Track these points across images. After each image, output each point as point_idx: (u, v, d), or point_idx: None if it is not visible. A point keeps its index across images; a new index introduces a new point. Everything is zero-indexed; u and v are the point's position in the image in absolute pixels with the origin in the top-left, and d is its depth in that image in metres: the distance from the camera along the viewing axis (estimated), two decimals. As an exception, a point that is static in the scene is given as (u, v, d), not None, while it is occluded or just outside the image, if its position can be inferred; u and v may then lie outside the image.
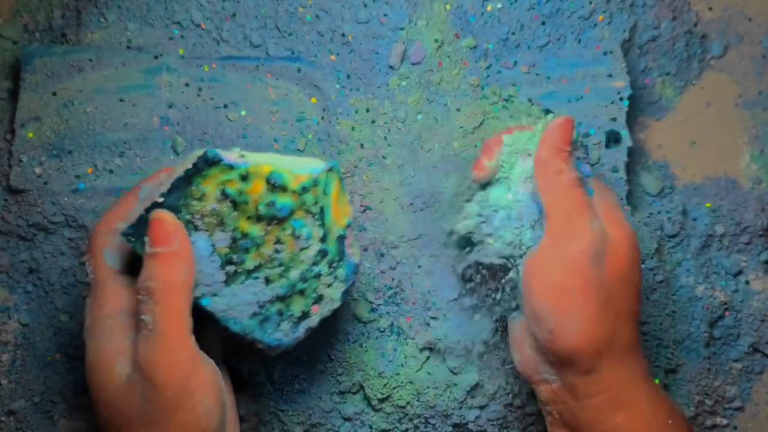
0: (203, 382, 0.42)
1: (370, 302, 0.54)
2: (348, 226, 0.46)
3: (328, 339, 0.54)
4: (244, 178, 0.42)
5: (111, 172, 0.55)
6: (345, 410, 0.54)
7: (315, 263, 0.45)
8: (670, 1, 0.59)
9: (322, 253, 0.45)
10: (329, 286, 0.46)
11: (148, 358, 0.40)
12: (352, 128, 0.56)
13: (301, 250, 0.44)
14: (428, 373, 0.54)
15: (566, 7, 0.57)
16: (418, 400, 0.53)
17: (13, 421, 0.55)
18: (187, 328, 0.41)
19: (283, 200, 0.43)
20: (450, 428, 0.54)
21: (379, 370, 0.53)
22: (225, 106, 0.56)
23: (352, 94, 0.56)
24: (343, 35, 0.57)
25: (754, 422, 0.56)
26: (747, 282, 0.57)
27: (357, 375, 0.54)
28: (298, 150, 0.55)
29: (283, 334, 0.46)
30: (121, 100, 0.56)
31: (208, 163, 0.41)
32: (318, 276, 0.45)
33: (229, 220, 0.42)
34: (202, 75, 0.56)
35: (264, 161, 0.43)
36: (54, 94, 0.56)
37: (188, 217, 0.42)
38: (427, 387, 0.53)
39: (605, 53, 0.57)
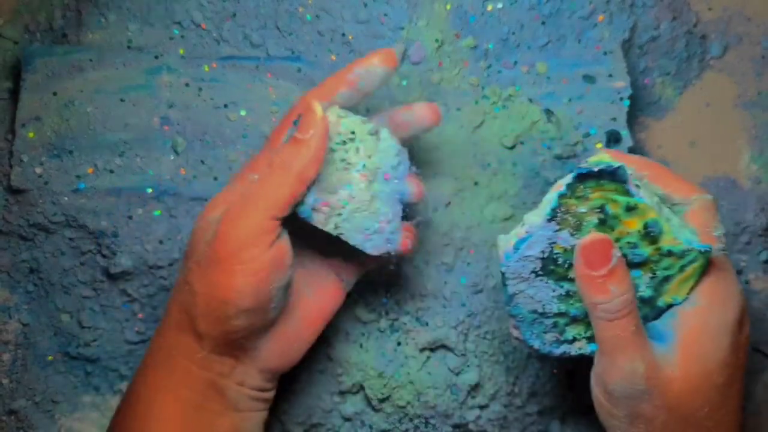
0: (260, 261, 0.42)
1: (370, 302, 0.54)
2: (673, 304, 0.43)
3: (328, 339, 0.54)
4: (630, 209, 0.42)
5: (111, 172, 0.55)
6: (345, 410, 0.54)
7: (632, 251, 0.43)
8: (670, 2, 0.59)
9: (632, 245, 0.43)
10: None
11: (224, 203, 0.44)
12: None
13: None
14: (428, 373, 0.54)
15: (566, 7, 0.57)
16: (418, 400, 0.53)
17: (14, 420, 0.55)
18: (274, 213, 0.42)
19: (644, 250, 0.42)
20: (450, 428, 0.54)
21: (379, 370, 0.54)
22: (225, 106, 0.56)
23: (352, 94, 0.56)
24: (343, 35, 0.57)
25: (754, 422, 0.56)
26: (747, 282, 0.57)
27: (357, 375, 0.54)
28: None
29: (542, 342, 0.45)
30: (122, 100, 0.56)
31: (612, 175, 0.41)
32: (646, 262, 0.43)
33: (585, 230, 0.42)
34: (203, 75, 0.56)
35: (652, 204, 0.42)
36: (54, 94, 0.56)
37: (554, 205, 0.42)
38: (427, 387, 0.53)
39: (605, 53, 0.57)
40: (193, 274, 0.44)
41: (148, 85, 0.56)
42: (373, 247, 0.46)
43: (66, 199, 0.55)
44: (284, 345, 0.47)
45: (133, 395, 0.47)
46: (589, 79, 0.56)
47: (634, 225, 0.42)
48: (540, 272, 0.43)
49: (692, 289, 0.43)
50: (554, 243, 0.43)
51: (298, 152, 0.43)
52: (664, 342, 0.43)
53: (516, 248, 0.43)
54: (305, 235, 0.48)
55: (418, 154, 0.55)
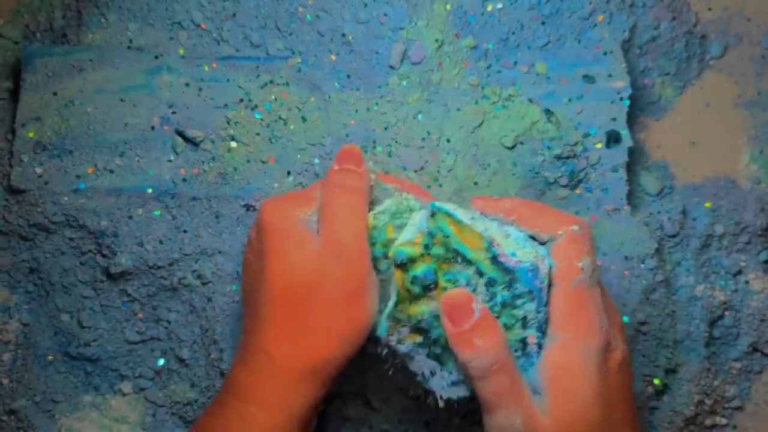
0: (376, 283, 0.44)
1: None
2: (489, 245, 0.42)
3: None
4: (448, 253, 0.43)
5: (111, 172, 0.55)
6: (345, 410, 0.54)
7: (493, 296, 0.42)
8: (669, 2, 0.59)
9: (491, 283, 0.42)
10: (521, 306, 0.43)
11: (342, 238, 0.43)
12: (351, 130, 0.56)
13: (473, 293, 0.42)
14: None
15: (566, 7, 0.57)
16: (417, 400, 0.53)
17: (14, 420, 0.55)
18: (363, 224, 0.44)
19: (420, 268, 0.43)
20: (450, 428, 0.54)
21: (378, 371, 0.53)
22: (225, 105, 0.56)
23: (353, 94, 0.56)
24: (343, 35, 0.57)
25: (754, 422, 0.56)
26: (746, 282, 0.57)
27: (357, 376, 0.54)
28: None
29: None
30: (122, 100, 0.56)
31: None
32: (506, 304, 0.42)
33: (400, 317, 0.43)
34: (203, 75, 0.56)
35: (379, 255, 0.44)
36: (55, 94, 0.56)
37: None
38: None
39: (605, 53, 0.57)
40: (319, 314, 0.43)
41: (148, 85, 0.56)
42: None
43: (66, 199, 0.55)
44: None
45: None
46: (588, 79, 0.56)
47: (399, 274, 0.43)
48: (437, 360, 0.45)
49: (471, 226, 0.43)
50: (409, 347, 0.44)
51: (359, 179, 0.46)
52: (537, 388, 0.41)
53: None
54: None
55: (417, 154, 0.55)
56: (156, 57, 0.57)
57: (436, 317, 0.43)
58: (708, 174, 0.58)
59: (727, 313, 0.56)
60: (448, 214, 0.43)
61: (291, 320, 0.42)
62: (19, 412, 0.55)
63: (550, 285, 0.42)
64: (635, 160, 0.58)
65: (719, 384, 0.56)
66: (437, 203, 0.43)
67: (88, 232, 0.55)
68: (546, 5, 0.57)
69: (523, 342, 0.42)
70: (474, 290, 0.42)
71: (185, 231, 0.55)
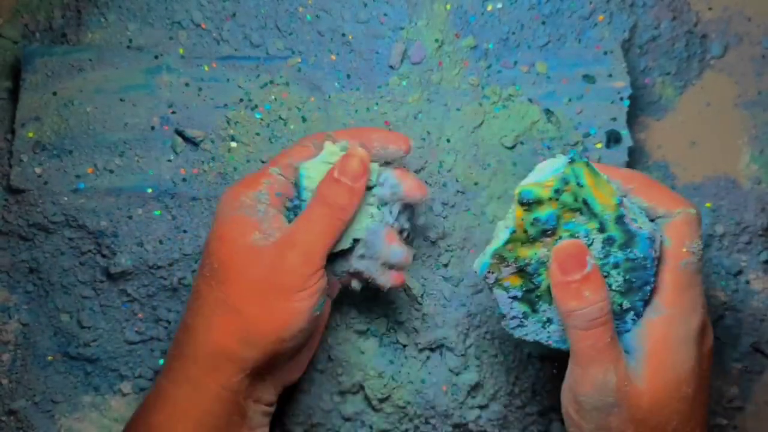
0: (316, 291, 0.44)
1: (370, 303, 0.54)
2: (619, 203, 0.42)
3: (328, 339, 0.54)
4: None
5: (111, 171, 0.55)
6: (345, 410, 0.54)
7: (607, 255, 0.43)
8: (670, 1, 0.59)
9: (609, 242, 0.43)
10: (631, 270, 0.43)
11: (294, 235, 0.44)
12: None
13: (588, 248, 0.43)
14: (428, 373, 0.54)
15: (566, 7, 0.57)
16: (418, 400, 0.53)
17: (14, 420, 0.55)
18: (329, 246, 0.45)
19: (544, 211, 0.42)
20: (450, 428, 0.54)
21: (379, 370, 0.53)
22: (225, 105, 0.56)
23: (353, 94, 0.56)
24: (343, 35, 0.57)
25: (754, 422, 0.56)
26: (747, 282, 0.57)
27: (357, 375, 0.54)
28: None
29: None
30: (122, 100, 0.56)
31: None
32: (617, 265, 0.43)
33: (507, 255, 0.43)
34: (203, 75, 0.56)
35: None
36: (54, 94, 0.56)
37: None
38: (427, 387, 0.53)
39: (605, 53, 0.57)
40: (243, 300, 0.44)
41: (148, 85, 0.56)
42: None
43: (66, 199, 0.55)
44: (298, 360, 0.50)
45: (151, 425, 0.46)
46: (589, 79, 0.56)
47: (519, 213, 0.43)
48: (533, 309, 0.45)
49: (608, 182, 0.43)
50: (510, 286, 0.44)
51: (352, 199, 0.45)
52: (631, 354, 0.43)
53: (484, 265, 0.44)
54: None
55: (417, 154, 0.55)
56: (156, 57, 0.56)
57: (542, 264, 0.43)
58: (708, 174, 0.58)
59: (727, 313, 0.56)
60: (587, 165, 0.42)
61: (228, 307, 0.44)
62: (19, 412, 0.55)
63: (659, 260, 0.43)
64: (635, 160, 0.58)
65: (720, 384, 0.56)
66: (577, 153, 0.43)
67: (88, 232, 0.55)
68: (546, 5, 0.57)
69: (621, 306, 0.43)
70: (590, 245, 0.43)
71: (185, 231, 0.55)
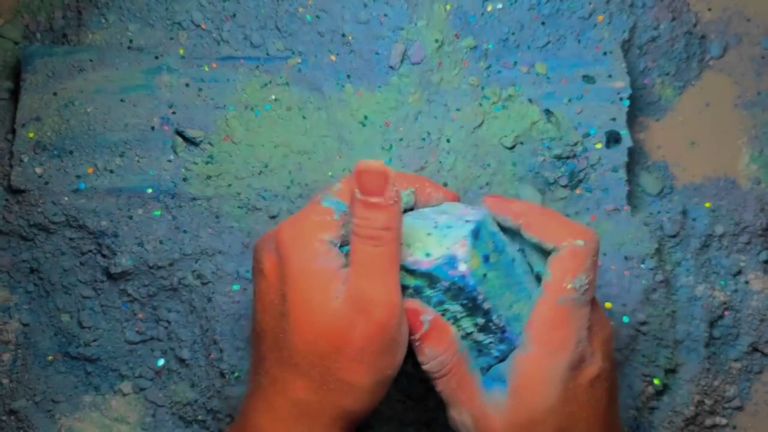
0: (406, 333, 0.42)
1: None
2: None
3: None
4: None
5: (111, 172, 0.55)
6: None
7: (429, 302, 0.43)
8: (669, 2, 0.59)
9: (417, 291, 0.43)
10: (454, 300, 0.43)
11: (368, 295, 0.40)
12: (349, 131, 0.56)
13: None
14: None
15: (566, 7, 0.57)
16: (417, 400, 0.53)
17: (14, 420, 0.55)
18: (395, 278, 0.41)
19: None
20: (450, 429, 0.54)
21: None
22: (225, 106, 0.56)
23: (353, 94, 0.56)
24: (343, 35, 0.57)
25: (754, 422, 0.56)
26: (746, 282, 0.57)
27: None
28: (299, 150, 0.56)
29: None
30: (122, 101, 0.56)
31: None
32: (442, 302, 0.43)
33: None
34: (203, 75, 0.56)
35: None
36: (55, 94, 0.56)
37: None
38: (427, 386, 0.53)
39: (605, 53, 0.57)
40: (353, 372, 0.41)
41: (148, 85, 0.56)
42: None
43: (66, 199, 0.55)
44: None
45: None
46: (588, 79, 0.56)
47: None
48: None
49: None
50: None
51: (392, 215, 0.40)
52: (504, 384, 0.43)
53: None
54: None
55: (417, 154, 0.55)
56: (156, 57, 0.57)
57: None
58: (708, 174, 0.58)
59: (727, 313, 0.56)
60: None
61: (318, 371, 0.41)
62: (19, 412, 0.55)
63: (476, 271, 0.42)
64: (635, 160, 0.58)
65: (719, 384, 0.56)
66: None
67: (88, 232, 0.55)
68: (546, 5, 0.57)
69: (477, 325, 0.43)
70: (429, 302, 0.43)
71: (185, 231, 0.55)
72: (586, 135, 0.55)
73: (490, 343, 0.44)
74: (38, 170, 0.55)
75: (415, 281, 0.42)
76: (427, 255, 0.42)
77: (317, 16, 0.57)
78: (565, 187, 0.55)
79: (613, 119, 0.55)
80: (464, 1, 0.57)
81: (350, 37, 0.57)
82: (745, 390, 0.56)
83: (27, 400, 0.55)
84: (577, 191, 0.55)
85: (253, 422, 0.43)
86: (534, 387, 0.42)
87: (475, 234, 0.42)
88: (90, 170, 0.55)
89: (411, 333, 0.42)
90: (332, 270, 0.41)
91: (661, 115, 0.59)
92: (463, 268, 0.41)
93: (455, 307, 0.42)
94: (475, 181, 0.55)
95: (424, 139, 0.55)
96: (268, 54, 0.57)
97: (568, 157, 0.55)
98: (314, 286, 0.41)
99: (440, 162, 0.55)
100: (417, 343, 0.42)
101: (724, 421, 0.56)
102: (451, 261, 0.41)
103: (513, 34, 0.57)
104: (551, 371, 0.41)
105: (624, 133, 0.55)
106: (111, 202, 0.55)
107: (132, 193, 0.55)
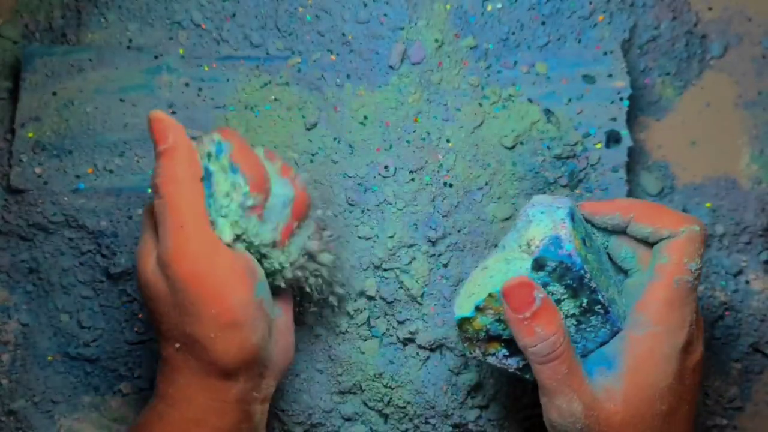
0: (232, 272, 0.42)
1: (370, 302, 0.54)
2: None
3: (328, 339, 0.54)
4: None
5: (111, 172, 0.55)
6: (345, 410, 0.54)
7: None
8: (670, 1, 0.59)
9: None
10: (561, 276, 0.43)
11: (164, 251, 0.41)
12: (349, 131, 0.56)
13: None
14: (428, 373, 0.54)
15: (566, 7, 0.57)
16: (418, 400, 0.53)
17: (14, 420, 0.55)
18: (200, 219, 0.41)
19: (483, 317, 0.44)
20: (450, 428, 0.54)
21: (378, 370, 0.53)
22: (225, 106, 0.56)
23: (352, 94, 0.56)
24: (343, 35, 0.57)
25: (754, 422, 0.56)
26: (747, 282, 0.57)
27: (357, 375, 0.54)
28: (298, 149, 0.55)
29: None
30: (121, 100, 0.56)
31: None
32: (546, 284, 0.43)
33: (469, 334, 0.45)
34: (203, 75, 0.56)
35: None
36: (54, 94, 0.56)
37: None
38: (427, 387, 0.53)
39: (605, 53, 0.57)
40: (191, 326, 0.42)
41: (148, 85, 0.56)
42: None
43: (66, 199, 0.55)
44: (283, 342, 0.47)
45: None
46: (589, 79, 0.56)
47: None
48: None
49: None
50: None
51: (173, 160, 0.42)
52: (611, 367, 0.43)
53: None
54: None
55: (417, 154, 0.55)
56: (156, 57, 0.56)
57: (498, 320, 0.43)
58: (708, 174, 0.58)
59: (727, 313, 0.56)
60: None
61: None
62: (19, 412, 0.55)
63: (586, 240, 0.43)
64: (635, 160, 0.58)
65: (719, 384, 0.56)
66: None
67: (88, 232, 0.55)
68: (546, 5, 0.57)
69: (582, 307, 0.43)
70: None
71: (185, 231, 0.54)
72: (586, 135, 0.55)
73: (594, 325, 0.44)
74: (37, 170, 0.55)
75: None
76: (528, 246, 0.43)
77: (317, 16, 0.57)
78: (565, 187, 0.55)
79: (614, 119, 0.55)
80: (464, 0, 0.57)
81: (350, 37, 0.57)
82: (745, 390, 0.56)
83: (26, 400, 0.55)
84: (577, 191, 0.55)
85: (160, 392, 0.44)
86: (654, 365, 0.42)
87: (572, 216, 0.43)
88: (89, 170, 0.55)
89: (520, 310, 0.41)
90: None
91: (662, 115, 0.59)
92: (569, 247, 0.42)
93: (558, 289, 0.42)
94: (475, 181, 0.55)
95: (424, 139, 0.55)
96: (268, 54, 0.57)
97: (568, 157, 0.55)
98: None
99: (440, 162, 0.55)
100: (526, 323, 0.41)
101: (724, 421, 0.56)
102: (557, 241, 0.42)
103: (513, 33, 0.57)
104: (671, 350, 0.42)
105: (624, 132, 0.55)
106: (111, 202, 0.55)
107: (132, 192, 0.55)
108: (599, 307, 0.43)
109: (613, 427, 0.42)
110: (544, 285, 0.42)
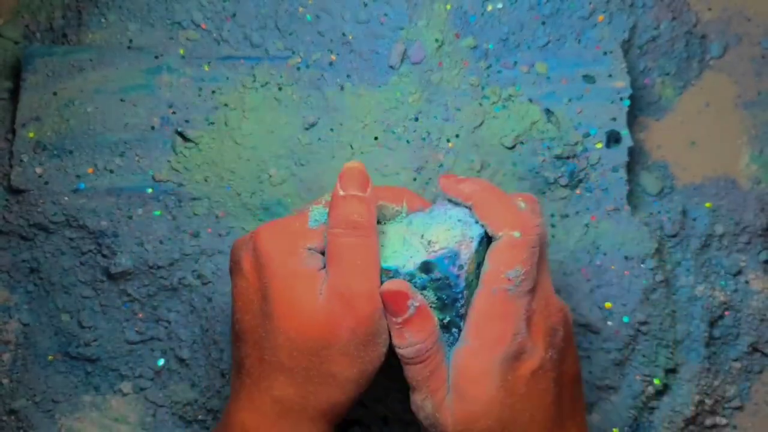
0: (383, 333, 0.42)
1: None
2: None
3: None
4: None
5: (111, 171, 0.55)
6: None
7: (413, 277, 0.42)
8: (669, 2, 0.59)
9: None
10: (439, 288, 0.43)
11: (351, 288, 0.41)
12: (349, 131, 0.56)
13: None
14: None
15: (566, 7, 0.57)
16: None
17: (14, 420, 0.55)
18: (374, 269, 0.42)
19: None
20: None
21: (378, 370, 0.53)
22: (225, 105, 0.56)
23: (353, 94, 0.56)
24: (343, 35, 0.57)
25: (754, 422, 0.56)
26: (746, 282, 0.57)
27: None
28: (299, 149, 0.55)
29: None
30: (122, 100, 0.56)
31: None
32: (425, 287, 0.43)
33: None
34: (203, 75, 0.56)
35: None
36: (55, 94, 0.56)
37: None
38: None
39: (605, 53, 0.57)
40: (338, 365, 0.42)
41: (148, 85, 0.56)
42: None
43: (66, 199, 0.55)
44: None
45: None
46: (589, 79, 0.56)
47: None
48: None
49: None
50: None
51: (366, 209, 0.42)
52: (448, 381, 0.43)
53: None
54: None
55: (417, 154, 0.55)
56: (156, 57, 0.57)
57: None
58: (708, 174, 0.58)
59: (727, 313, 0.56)
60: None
61: (301, 369, 0.42)
62: (19, 412, 0.55)
63: (473, 274, 0.42)
64: (635, 160, 0.58)
65: (719, 384, 0.56)
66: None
67: (88, 232, 0.55)
68: (546, 5, 0.57)
69: (443, 321, 0.43)
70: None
71: (185, 231, 0.55)
72: (587, 135, 0.55)
73: (449, 341, 0.43)
74: (38, 170, 0.55)
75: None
76: (429, 243, 0.42)
77: (317, 16, 0.57)
78: (565, 186, 0.55)
79: (614, 119, 0.55)
80: (464, 1, 0.57)
81: (350, 37, 0.57)
82: (745, 390, 0.56)
83: (27, 400, 0.55)
84: (577, 191, 0.55)
85: (237, 421, 0.43)
86: (473, 380, 0.41)
87: (480, 241, 0.42)
88: (90, 170, 0.55)
89: (393, 315, 0.42)
90: (314, 270, 0.42)
91: (661, 115, 0.59)
92: (461, 267, 0.42)
93: (431, 297, 0.42)
94: (475, 181, 0.55)
95: (424, 139, 0.55)
96: (268, 54, 0.57)
97: (568, 157, 0.55)
98: (297, 285, 0.41)
99: (440, 162, 0.55)
100: (397, 327, 0.42)
101: (724, 421, 0.56)
102: (454, 257, 0.42)
103: (513, 33, 0.57)
104: (488, 364, 0.41)
105: (624, 132, 0.55)
106: (111, 202, 0.55)
107: (132, 193, 0.55)
108: (456, 330, 0.43)
109: None
110: (422, 287, 0.42)
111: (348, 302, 0.41)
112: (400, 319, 0.42)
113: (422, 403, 0.42)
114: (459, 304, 0.42)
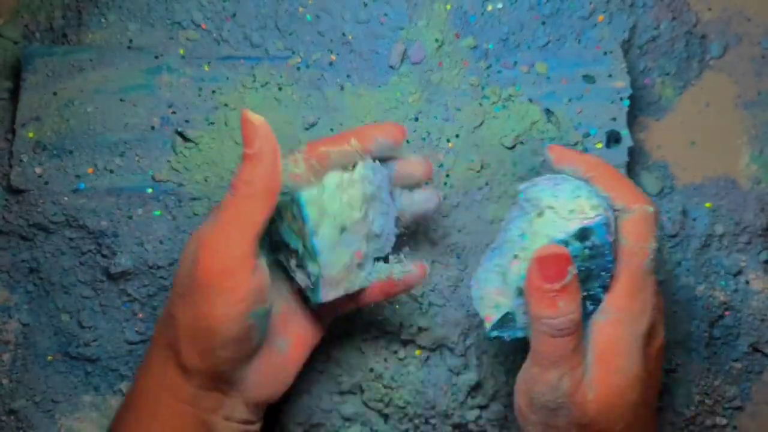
0: (236, 287, 0.41)
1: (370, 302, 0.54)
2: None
3: (328, 340, 0.54)
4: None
5: (111, 172, 0.55)
6: (345, 410, 0.54)
7: (565, 244, 0.41)
8: (669, 2, 0.59)
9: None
10: (591, 257, 0.42)
11: (203, 233, 0.42)
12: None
13: None
14: (428, 373, 0.54)
15: (566, 7, 0.58)
16: (417, 400, 0.53)
17: (14, 420, 0.55)
18: (249, 228, 0.41)
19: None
20: (450, 428, 0.54)
21: (379, 370, 0.54)
22: (225, 105, 0.56)
23: (352, 94, 0.56)
24: (343, 35, 0.57)
25: (754, 422, 0.56)
26: (747, 282, 0.57)
27: (357, 375, 0.54)
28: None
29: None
30: (122, 100, 0.56)
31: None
32: (575, 257, 0.41)
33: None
34: (203, 75, 0.56)
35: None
36: (54, 94, 0.56)
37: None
38: (427, 387, 0.53)
39: (605, 53, 0.57)
40: (176, 307, 0.43)
41: (148, 85, 0.56)
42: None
43: (66, 199, 0.55)
44: (269, 376, 0.46)
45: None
46: (589, 79, 0.56)
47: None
48: None
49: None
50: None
51: (254, 168, 0.41)
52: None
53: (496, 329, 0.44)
54: (284, 271, 0.47)
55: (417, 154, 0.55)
56: (156, 57, 0.57)
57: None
58: (708, 174, 0.58)
59: (727, 313, 0.56)
60: None
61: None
62: (19, 412, 0.55)
63: (616, 245, 0.42)
64: (635, 160, 0.58)
65: (719, 384, 0.56)
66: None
67: (88, 232, 0.55)
68: (546, 5, 0.57)
69: (583, 298, 0.42)
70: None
71: (185, 231, 0.55)
72: (587, 135, 0.55)
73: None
74: (38, 170, 0.55)
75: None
76: (571, 212, 0.41)
77: (317, 16, 0.57)
78: (565, 187, 0.55)
79: (614, 119, 0.55)
80: (464, 1, 0.57)
81: (350, 37, 0.57)
82: (745, 390, 0.56)
83: (27, 400, 0.55)
84: (577, 191, 0.55)
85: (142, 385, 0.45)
86: (620, 352, 0.41)
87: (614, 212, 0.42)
88: (90, 170, 0.55)
89: (550, 281, 0.40)
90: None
91: (661, 115, 0.59)
92: (613, 236, 0.41)
93: (582, 267, 0.41)
94: (475, 181, 0.55)
95: (424, 139, 0.55)
96: (268, 54, 0.57)
97: (568, 157, 0.55)
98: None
99: (440, 162, 0.55)
100: (551, 295, 0.40)
101: (724, 421, 0.56)
102: (607, 225, 0.41)
103: (513, 33, 0.57)
104: (634, 336, 0.41)
105: (624, 132, 0.55)
106: (111, 202, 0.55)
107: (132, 193, 0.55)
108: (591, 303, 0.42)
109: (587, 414, 0.41)
110: (573, 257, 0.40)
111: (199, 248, 0.42)
112: (557, 286, 0.40)
113: (559, 382, 0.40)
114: (604, 274, 0.41)
